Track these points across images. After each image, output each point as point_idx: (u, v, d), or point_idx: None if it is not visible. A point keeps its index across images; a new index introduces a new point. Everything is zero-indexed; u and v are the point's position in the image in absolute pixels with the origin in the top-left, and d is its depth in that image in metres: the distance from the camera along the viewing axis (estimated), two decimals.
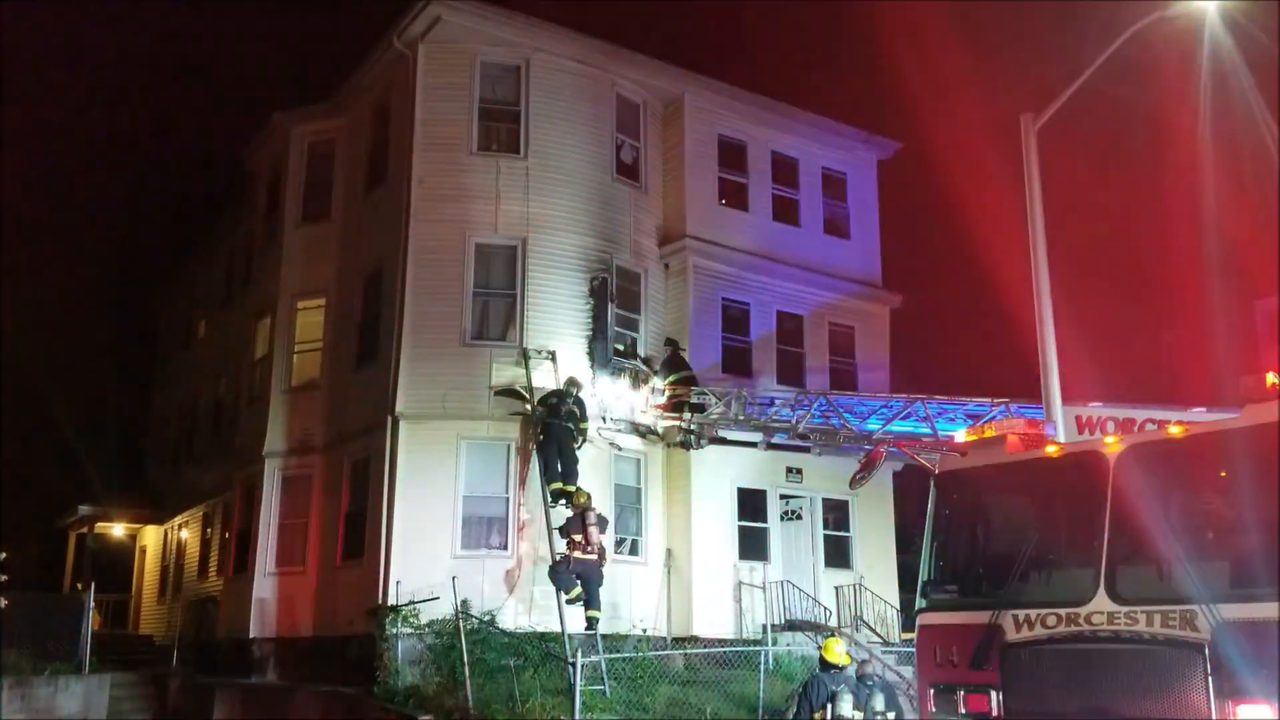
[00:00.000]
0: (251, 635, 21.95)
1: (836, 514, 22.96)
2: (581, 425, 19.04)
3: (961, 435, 9.56)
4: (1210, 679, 7.14)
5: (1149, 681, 7.43)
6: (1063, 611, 7.96)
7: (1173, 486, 8.03)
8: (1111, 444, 8.28)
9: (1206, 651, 7.19)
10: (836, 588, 22.02)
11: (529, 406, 19.33)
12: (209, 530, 28.05)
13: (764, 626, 19.88)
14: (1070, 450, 8.92)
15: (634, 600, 19.87)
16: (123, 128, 58.26)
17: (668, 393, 20.42)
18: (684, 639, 19.89)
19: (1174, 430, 8.09)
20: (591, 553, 17.70)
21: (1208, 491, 8.10)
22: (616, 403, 20.46)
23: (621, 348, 20.99)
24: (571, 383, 19.20)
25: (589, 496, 18.20)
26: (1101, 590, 7.81)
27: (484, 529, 19.43)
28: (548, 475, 18.71)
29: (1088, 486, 8.18)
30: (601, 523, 18.10)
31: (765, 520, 21.88)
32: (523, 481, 19.41)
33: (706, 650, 17.91)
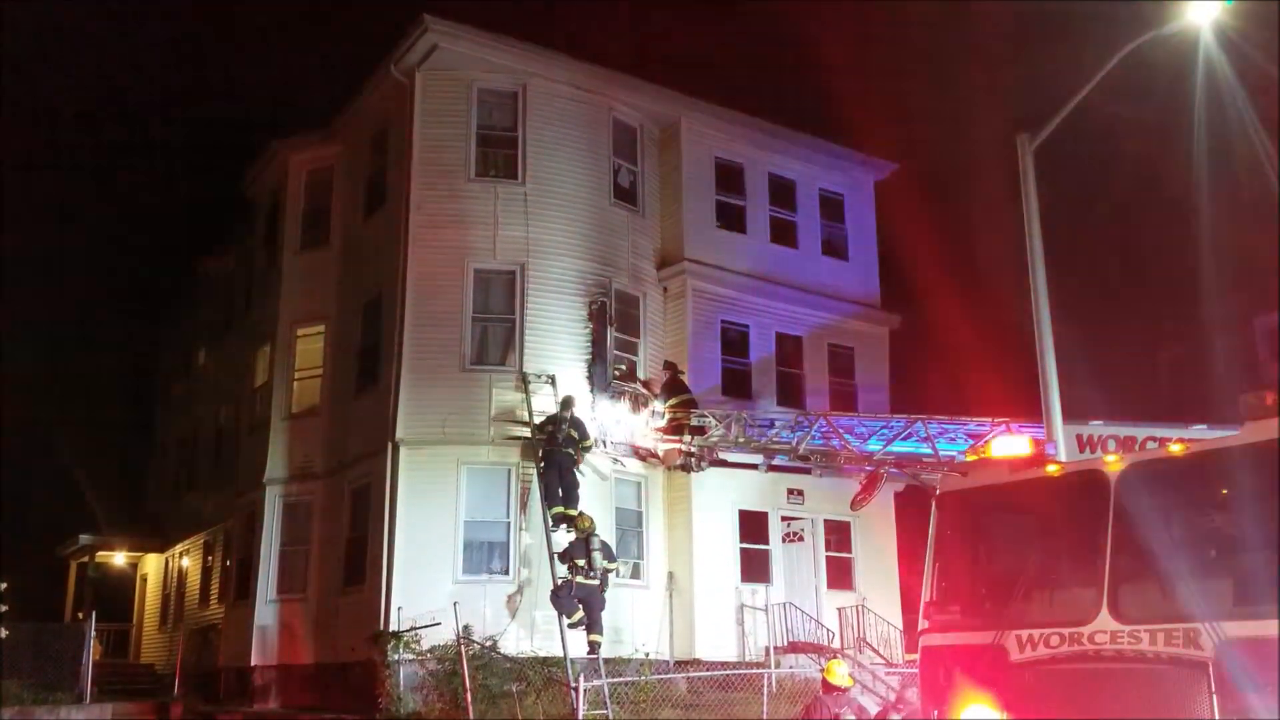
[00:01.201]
0: (253, 663, 21.90)
1: (838, 535, 22.94)
2: (584, 445, 19.04)
3: (963, 455, 9.57)
4: (1214, 697, 7.11)
5: (1153, 701, 7.40)
6: (1066, 631, 7.93)
7: (1174, 505, 8.01)
8: (1112, 463, 8.26)
9: (1210, 670, 7.16)
10: (839, 609, 21.99)
11: (529, 431, 19.32)
12: (210, 558, 27.99)
13: (766, 649, 19.85)
14: (1071, 469, 8.90)
15: (636, 624, 19.81)
16: (122, 157, 58.47)
17: (668, 416, 20.41)
18: (686, 662, 19.84)
19: (1175, 448, 8.07)
20: (594, 577, 17.67)
21: (1209, 509, 8.08)
22: (616, 426, 20.45)
23: (621, 371, 20.99)
24: (565, 404, 19.18)
25: (592, 522, 18.19)
26: (1104, 609, 7.78)
27: (485, 554, 19.40)
28: (549, 500, 18.70)
29: (1089, 505, 8.16)
30: (605, 549, 18.08)
31: (767, 542, 21.86)
32: (523, 506, 19.40)
33: (709, 673, 17.87)
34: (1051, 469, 8.83)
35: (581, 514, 18.35)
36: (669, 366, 21.11)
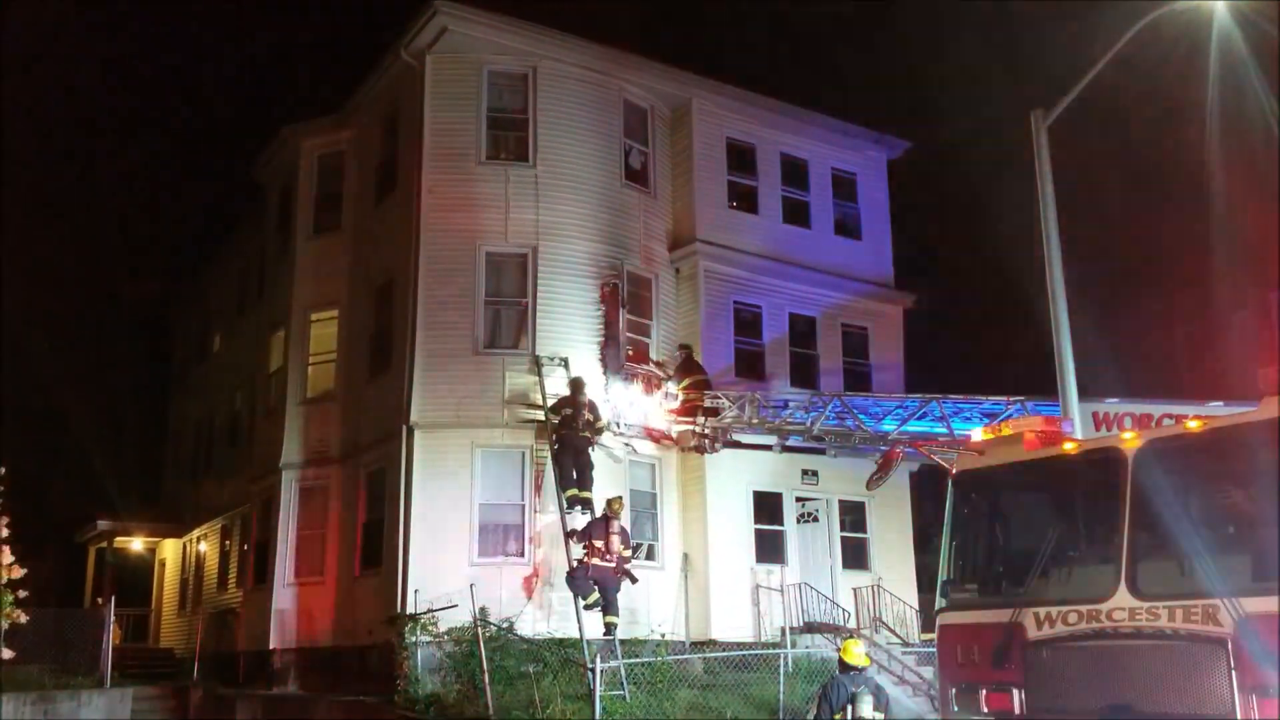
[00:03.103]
0: (271, 646, 22.03)
1: (853, 515, 22.91)
2: (598, 427, 19.07)
3: (979, 434, 9.54)
4: (1234, 673, 7.11)
5: (1172, 677, 7.40)
6: (1084, 608, 7.93)
7: (1192, 481, 8.00)
8: (1129, 439, 8.26)
9: (1229, 646, 7.16)
10: (854, 589, 21.97)
11: (543, 414, 19.33)
12: (227, 542, 28.15)
13: (782, 629, 19.88)
14: (1088, 447, 8.89)
15: (651, 605, 19.85)
16: (133, 143, 58.56)
17: (681, 397, 20.41)
18: (702, 643, 19.87)
19: (1192, 424, 8.06)
20: (610, 560, 17.72)
21: (1227, 485, 8.07)
22: (630, 409, 20.45)
23: (633, 353, 20.98)
24: (578, 386, 19.12)
25: (621, 503, 18.27)
26: (1122, 586, 7.79)
27: (500, 536, 19.44)
28: (563, 483, 18.73)
29: (1106, 483, 8.16)
30: (623, 534, 18.13)
31: (782, 523, 21.85)
32: (538, 489, 19.44)
33: (725, 654, 17.89)
34: (1068, 447, 8.81)
35: (618, 497, 18.45)
36: (683, 348, 21.09)
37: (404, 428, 19.65)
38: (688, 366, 20.62)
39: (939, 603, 9.17)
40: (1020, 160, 15.04)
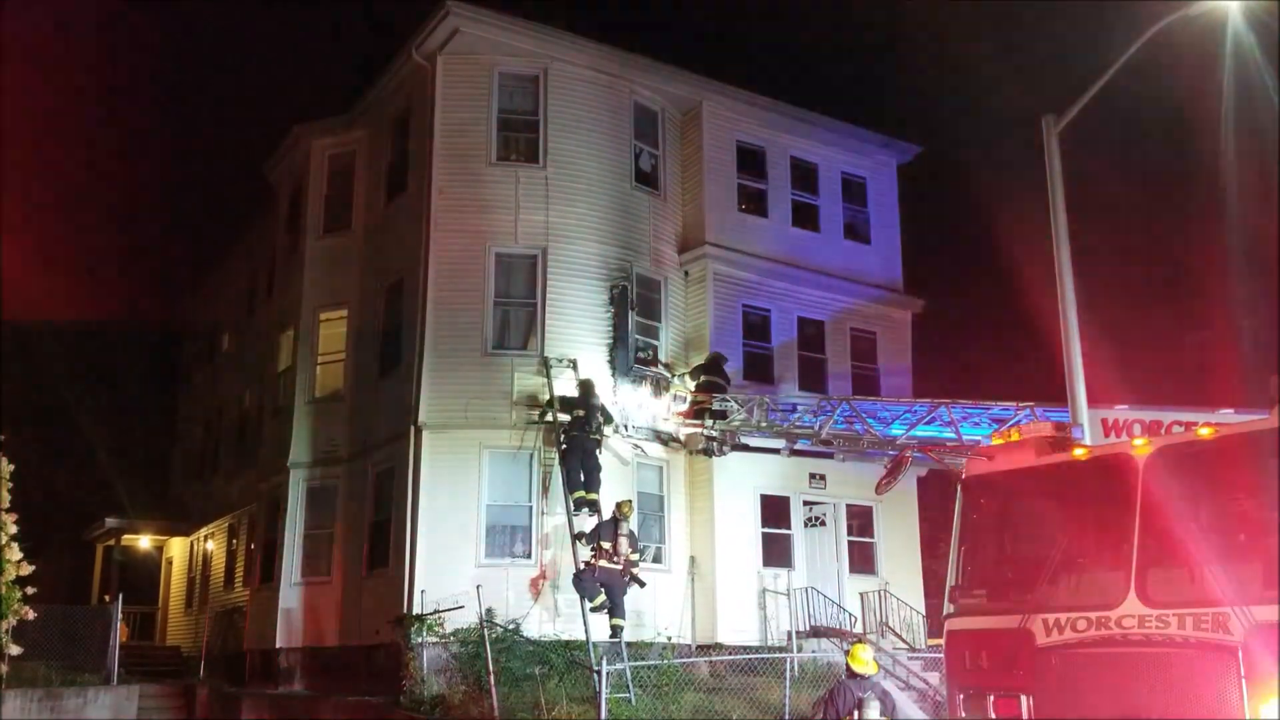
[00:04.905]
0: (278, 645, 22.04)
1: (860, 520, 22.89)
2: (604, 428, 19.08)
3: (988, 440, 9.52)
4: (1244, 682, 7.08)
5: (1181, 685, 7.37)
6: (1093, 615, 7.90)
7: (1203, 489, 7.97)
8: (1140, 446, 8.23)
9: (1239, 654, 7.13)
10: (861, 594, 21.95)
11: (550, 415, 19.32)
12: (235, 541, 28.18)
13: (789, 633, 19.85)
14: (1098, 453, 8.87)
15: (658, 608, 19.84)
16: (146, 142, 58.72)
17: (690, 399, 20.39)
18: (708, 646, 19.87)
19: (1203, 432, 8.03)
20: (617, 562, 17.72)
21: (1238, 493, 8.03)
22: (638, 411, 20.44)
23: (643, 355, 20.97)
24: (589, 388, 19.08)
25: (632, 508, 18.26)
26: (1132, 593, 7.75)
27: (507, 537, 19.45)
28: (570, 485, 18.73)
29: (1116, 489, 8.13)
30: (631, 538, 18.12)
31: (789, 527, 21.82)
32: (545, 490, 19.43)
33: (731, 657, 17.88)
34: (1079, 453, 8.78)
35: (628, 501, 18.47)
36: (717, 357, 20.89)
37: (412, 428, 19.66)
38: (709, 368, 20.48)
39: (947, 608, 9.14)
40: (1032, 166, 14.99)
